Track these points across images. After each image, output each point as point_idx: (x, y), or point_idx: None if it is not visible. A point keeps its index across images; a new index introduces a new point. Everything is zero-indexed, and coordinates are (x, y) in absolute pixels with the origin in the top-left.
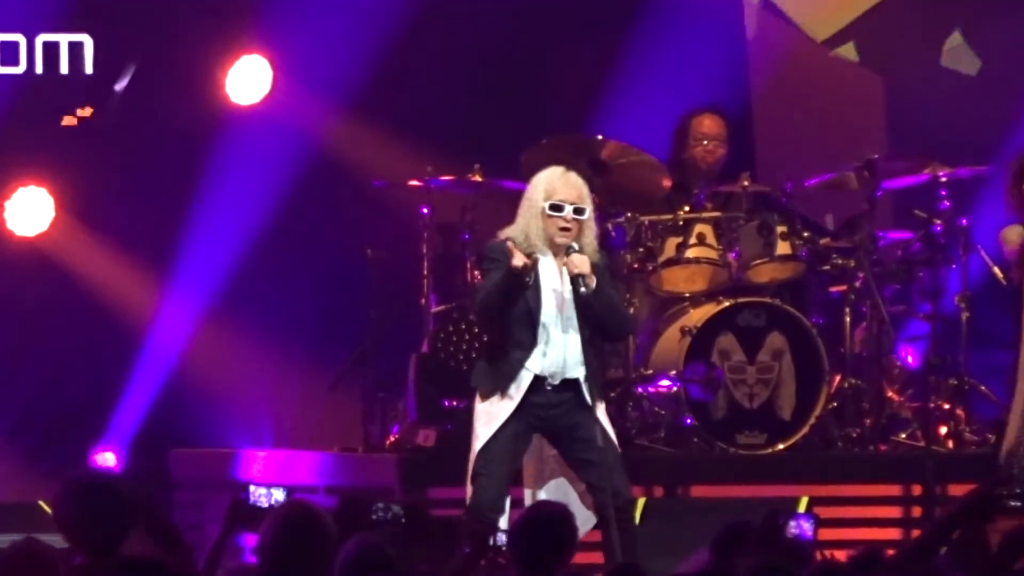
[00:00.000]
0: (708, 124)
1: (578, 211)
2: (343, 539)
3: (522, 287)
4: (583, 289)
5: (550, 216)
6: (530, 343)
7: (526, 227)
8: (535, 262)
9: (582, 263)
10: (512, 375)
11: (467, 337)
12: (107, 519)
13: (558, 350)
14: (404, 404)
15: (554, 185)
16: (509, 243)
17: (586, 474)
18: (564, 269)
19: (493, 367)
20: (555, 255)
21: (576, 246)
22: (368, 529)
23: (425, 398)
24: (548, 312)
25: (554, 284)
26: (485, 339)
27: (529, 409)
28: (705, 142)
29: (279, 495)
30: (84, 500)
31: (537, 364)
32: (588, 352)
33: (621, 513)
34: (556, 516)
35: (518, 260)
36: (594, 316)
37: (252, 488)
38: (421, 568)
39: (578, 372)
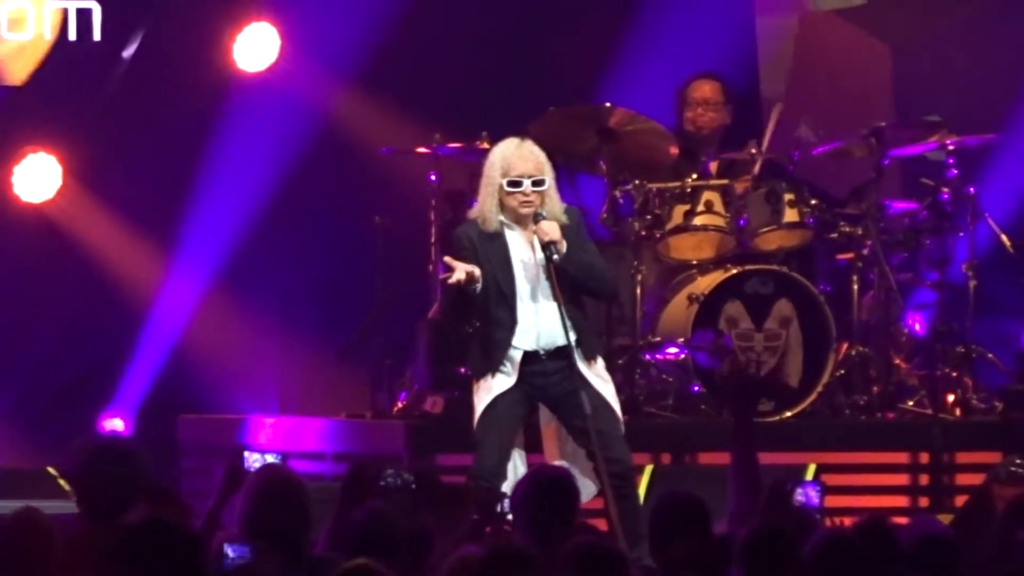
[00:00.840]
0: (702, 89)
1: (537, 183)
2: (353, 505)
3: (470, 295)
4: (555, 256)
5: (510, 192)
6: (511, 321)
7: (482, 206)
8: (475, 277)
9: (552, 229)
10: (502, 356)
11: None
12: (117, 483)
13: (542, 322)
14: (412, 371)
15: (509, 161)
16: (447, 259)
17: (583, 441)
18: (535, 239)
19: (483, 350)
20: (523, 227)
21: (544, 213)
22: (378, 496)
23: (434, 365)
24: (523, 286)
25: (524, 256)
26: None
27: (525, 378)
28: (698, 108)
29: (272, 461)
30: (95, 463)
31: (524, 340)
32: (574, 315)
33: (618, 480)
34: (557, 479)
35: (455, 278)
36: (572, 280)
37: (247, 454)
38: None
39: (568, 337)
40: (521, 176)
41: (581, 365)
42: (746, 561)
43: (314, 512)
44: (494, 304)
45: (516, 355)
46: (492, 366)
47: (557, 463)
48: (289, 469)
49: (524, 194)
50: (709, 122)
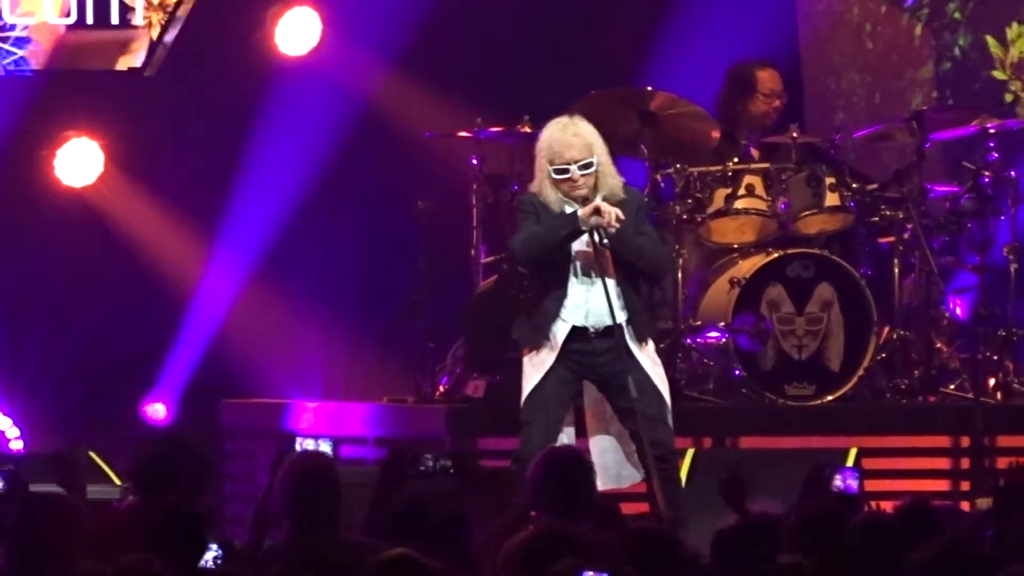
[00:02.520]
0: (771, 80)
1: (585, 166)
2: (391, 490)
3: (577, 235)
4: (604, 241)
5: (558, 180)
6: (564, 293)
7: (540, 188)
8: (609, 228)
9: (595, 215)
10: (548, 327)
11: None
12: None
13: (594, 298)
14: (454, 354)
15: (554, 149)
16: (599, 198)
17: (627, 422)
18: None
19: (531, 320)
20: (580, 204)
21: (598, 198)
22: (416, 480)
23: (476, 348)
24: (576, 262)
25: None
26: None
27: (572, 356)
28: (775, 100)
29: (325, 447)
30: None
31: (574, 315)
32: (628, 295)
33: (661, 463)
34: (571, 460)
35: (608, 217)
36: (625, 260)
37: (298, 440)
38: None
39: (620, 317)
40: (567, 163)
41: (632, 346)
42: (796, 543)
43: (341, 495)
44: (549, 275)
45: (562, 328)
46: (538, 336)
47: (596, 444)
48: (320, 454)
49: (572, 180)
50: (777, 113)
